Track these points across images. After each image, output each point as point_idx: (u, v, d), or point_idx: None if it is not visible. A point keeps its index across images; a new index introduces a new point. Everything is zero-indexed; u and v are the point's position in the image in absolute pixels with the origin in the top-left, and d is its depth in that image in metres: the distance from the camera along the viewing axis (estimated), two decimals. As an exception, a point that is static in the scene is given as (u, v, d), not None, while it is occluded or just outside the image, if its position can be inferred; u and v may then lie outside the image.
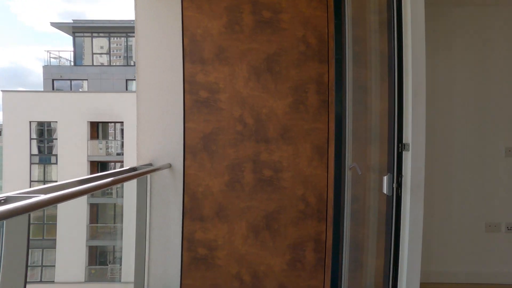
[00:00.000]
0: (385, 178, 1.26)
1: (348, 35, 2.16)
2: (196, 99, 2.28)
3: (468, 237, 2.59)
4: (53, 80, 15.29)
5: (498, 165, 2.59)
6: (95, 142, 13.91)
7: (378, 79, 1.85)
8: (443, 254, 2.59)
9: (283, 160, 2.32)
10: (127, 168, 1.97)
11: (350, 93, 2.08)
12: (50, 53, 15.48)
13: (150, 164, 2.20)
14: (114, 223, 13.84)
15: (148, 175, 2.16)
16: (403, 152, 1.23)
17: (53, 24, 15.42)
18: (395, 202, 1.26)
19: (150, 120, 2.25)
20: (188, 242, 2.30)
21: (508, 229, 2.59)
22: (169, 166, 2.22)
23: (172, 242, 2.27)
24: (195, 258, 2.31)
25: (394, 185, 1.23)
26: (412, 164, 1.25)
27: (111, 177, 1.40)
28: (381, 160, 1.75)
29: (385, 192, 1.26)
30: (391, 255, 1.36)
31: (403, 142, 1.24)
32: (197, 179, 2.28)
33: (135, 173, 1.68)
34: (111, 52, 16.01)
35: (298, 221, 2.34)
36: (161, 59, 2.26)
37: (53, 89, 15.33)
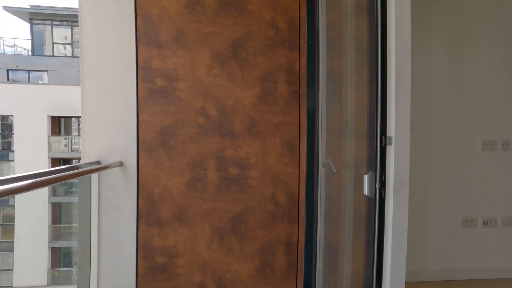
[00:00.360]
0: (366, 178, 1.08)
1: (322, 19, 1.97)
2: (152, 88, 2.01)
3: (446, 233, 2.51)
4: (7, 70, 14.17)
5: (474, 159, 2.52)
6: (57, 137, 13.10)
7: (355, 67, 1.67)
8: (421, 251, 2.49)
9: (250, 157, 2.10)
10: (66, 166, 1.67)
11: (323, 83, 1.89)
12: (3, 40, 14.32)
13: (98, 162, 1.92)
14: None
15: (95, 175, 1.87)
16: (386, 146, 1.05)
17: (6, 9, 14.24)
18: (378, 204, 1.09)
19: (98, 112, 1.95)
20: (143, 249, 2.03)
21: (485, 224, 2.53)
22: (120, 164, 1.95)
23: (125, 250, 2.00)
24: (153, 268, 2.05)
25: (377, 185, 1.05)
26: (395, 159, 1.07)
27: (36, 178, 1.12)
28: (358, 156, 1.58)
29: (366, 194, 1.08)
30: (374, 259, 1.19)
31: (386, 135, 1.06)
32: (153, 179, 2.01)
33: (70, 173, 1.40)
34: (74, 43, 15.08)
35: (267, 223, 2.14)
36: (110, 41, 1.97)
37: (7, 80, 14.21)
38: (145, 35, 2.00)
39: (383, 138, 1.06)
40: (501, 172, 2.55)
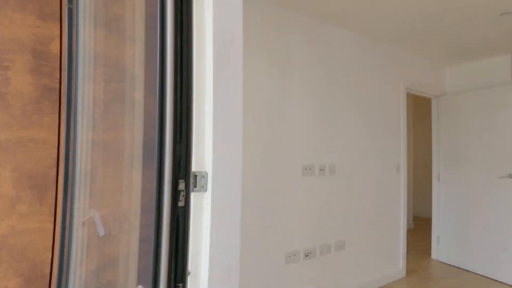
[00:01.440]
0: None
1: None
2: None
3: (269, 273, 2.10)
4: None
5: (295, 186, 2.24)
6: None
7: (145, 53, 0.96)
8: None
9: None
10: None
11: (83, 76, 1.10)
12: None
13: None
14: None
15: None
16: (193, 193, 0.38)
17: None
18: None
19: None
20: None
21: (306, 256, 2.29)
22: None
23: None
24: None
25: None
26: (214, 221, 0.41)
27: None
28: (137, 209, 0.86)
29: None
30: None
31: (194, 171, 0.39)
32: None
33: None
34: None
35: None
36: None
37: None
38: None
39: (187, 181, 0.38)
40: (319, 197, 2.39)
